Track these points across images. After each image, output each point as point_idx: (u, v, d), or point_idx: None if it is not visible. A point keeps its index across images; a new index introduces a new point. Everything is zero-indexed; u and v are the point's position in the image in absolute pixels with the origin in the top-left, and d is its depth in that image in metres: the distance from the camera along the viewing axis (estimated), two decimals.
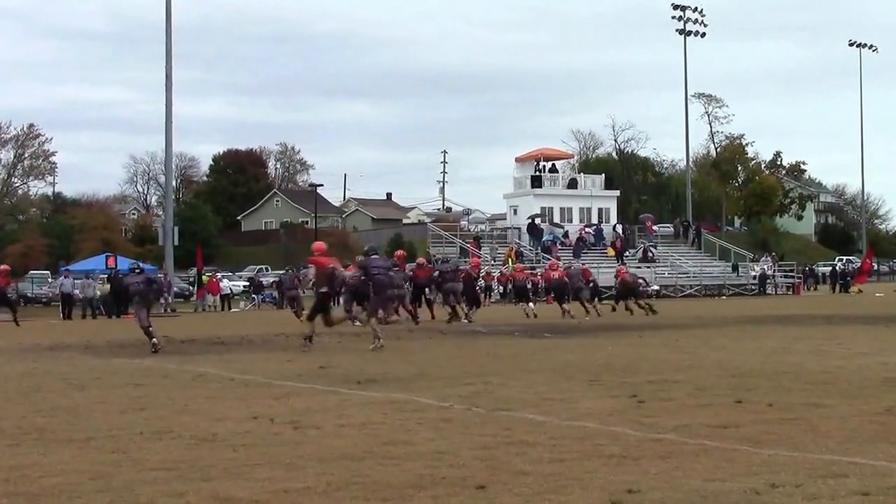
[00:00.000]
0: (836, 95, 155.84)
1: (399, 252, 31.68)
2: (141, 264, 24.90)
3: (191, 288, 52.66)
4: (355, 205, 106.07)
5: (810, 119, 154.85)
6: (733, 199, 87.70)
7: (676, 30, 68.69)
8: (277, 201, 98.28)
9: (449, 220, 73.78)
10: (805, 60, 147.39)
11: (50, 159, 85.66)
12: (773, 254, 62.91)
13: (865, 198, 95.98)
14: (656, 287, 51.10)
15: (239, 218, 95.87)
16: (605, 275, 42.06)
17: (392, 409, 9.80)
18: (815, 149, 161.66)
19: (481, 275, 39.42)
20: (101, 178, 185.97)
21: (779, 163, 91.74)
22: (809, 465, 6.71)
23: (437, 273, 28.35)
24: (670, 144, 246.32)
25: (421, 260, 31.10)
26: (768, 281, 55.15)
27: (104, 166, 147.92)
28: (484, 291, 40.21)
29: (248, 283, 55.81)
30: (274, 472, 6.81)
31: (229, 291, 48.70)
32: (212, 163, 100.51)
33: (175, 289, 47.15)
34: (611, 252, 53.27)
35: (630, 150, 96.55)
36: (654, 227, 58.93)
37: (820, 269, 70.69)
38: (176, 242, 45.72)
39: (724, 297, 50.34)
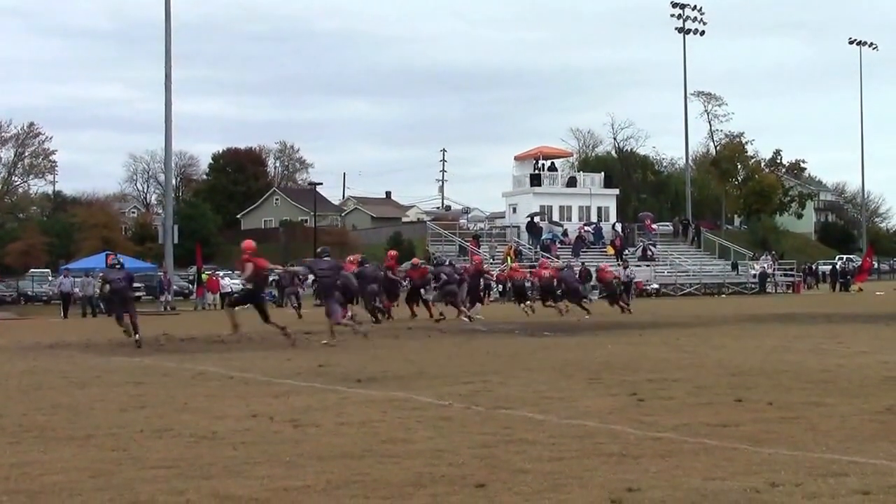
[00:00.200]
0: (836, 93, 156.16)
1: (392, 252, 31.68)
2: (121, 258, 25.06)
3: (190, 286, 52.61)
4: (354, 203, 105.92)
5: (810, 117, 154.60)
6: (733, 197, 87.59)
7: (676, 28, 68.61)
8: (277, 200, 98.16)
9: (448, 218, 73.66)
10: (805, 58, 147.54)
11: (50, 158, 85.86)
12: (773, 252, 62.83)
13: (866, 196, 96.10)
14: (656, 285, 51.19)
15: (238, 216, 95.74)
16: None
17: (391, 407, 9.81)
18: (814, 147, 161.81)
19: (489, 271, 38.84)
20: (102, 176, 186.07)
21: (778, 161, 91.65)
22: (809, 464, 6.71)
23: (443, 275, 27.47)
24: (670, 143, 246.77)
25: (416, 260, 31.01)
26: (768, 279, 55.12)
27: (104, 165, 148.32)
28: (483, 290, 40.02)
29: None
30: (273, 470, 6.82)
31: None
32: (211, 161, 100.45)
33: (175, 287, 47.19)
34: (610, 251, 53.24)
35: (629, 149, 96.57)
36: (654, 226, 58.94)
37: (820, 267, 70.67)
38: (176, 241, 45.79)
39: (723, 296, 50.33)
